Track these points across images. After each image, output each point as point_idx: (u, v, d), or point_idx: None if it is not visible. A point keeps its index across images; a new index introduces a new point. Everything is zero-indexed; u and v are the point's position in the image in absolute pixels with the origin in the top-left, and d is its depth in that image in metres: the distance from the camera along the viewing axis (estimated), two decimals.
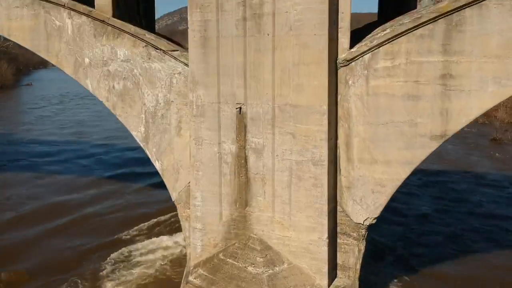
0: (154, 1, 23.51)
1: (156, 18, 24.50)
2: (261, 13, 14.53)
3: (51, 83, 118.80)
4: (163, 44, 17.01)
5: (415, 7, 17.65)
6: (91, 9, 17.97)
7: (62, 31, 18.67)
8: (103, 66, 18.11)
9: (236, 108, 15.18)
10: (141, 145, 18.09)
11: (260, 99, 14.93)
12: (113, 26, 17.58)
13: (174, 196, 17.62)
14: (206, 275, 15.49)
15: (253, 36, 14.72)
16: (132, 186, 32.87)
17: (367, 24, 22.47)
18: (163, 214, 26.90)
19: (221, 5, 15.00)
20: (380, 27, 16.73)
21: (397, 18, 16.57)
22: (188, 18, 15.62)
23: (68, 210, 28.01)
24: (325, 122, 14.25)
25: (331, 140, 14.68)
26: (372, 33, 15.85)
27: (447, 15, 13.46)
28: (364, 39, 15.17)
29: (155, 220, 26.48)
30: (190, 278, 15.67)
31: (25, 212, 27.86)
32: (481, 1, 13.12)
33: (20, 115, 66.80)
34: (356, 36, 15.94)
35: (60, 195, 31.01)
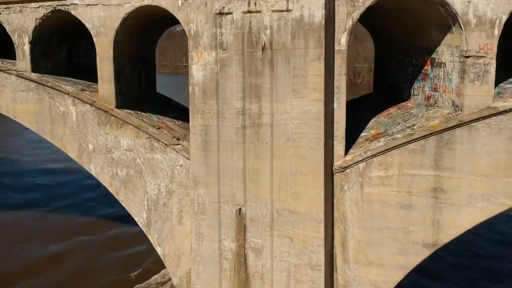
0: (155, 67, 24.02)
1: None
2: (260, 123, 15.11)
3: None
4: (165, 137, 17.58)
5: (408, 97, 18.17)
6: (95, 99, 18.52)
7: (66, 116, 19.23)
8: (106, 153, 18.67)
9: (236, 210, 15.75)
10: (143, 230, 18.66)
11: (259, 202, 15.51)
12: (117, 117, 18.11)
13: (175, 281, 18.21)
14: None
15: (253, 143, 15.30)
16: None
17: (362, 96, 23.08)
18: None
19: (221, 112, 15.57)
20: (374, 121, 17.30)
21: (391, 113, 17.17)
22: (190, 121, 16.18)
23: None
24: (322, 229, 14.84)
25: (328, 243, 15.28)
26: (367, 133, 16.41)
27: (438, 133, 14.06)
28: (360, 142, 15.77)
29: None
30: None
31: None
32: (470, 123, 13.72)
33: (8, 139, 66.07)
34: (351, 108, 16.52)
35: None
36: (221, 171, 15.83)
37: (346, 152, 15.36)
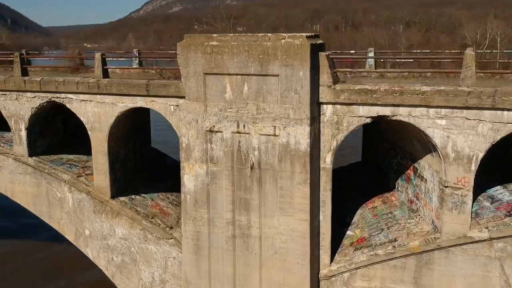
0: (150, 128, 24.49)
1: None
2: (249, 234, 15.81)
3: None
4: (159, 231, 18.26)
5: (393, 187, 18.79)
6: (90, 189, 19.13)
7: (63, 202, 19.85)
8: (102, 240, 19.35)
9: None
10: None
11: None
12: (112, 209, 18.76)
13: None
14: None
15: (242, 252, 16.01)
16: None
17: (350, 165, 23.69)
18: None
19: (212, 220, 16.24)
20: (360, 214, 18.00)
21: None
22: (182, 227, 16.87)
23: None
24: None
25: None
26: (352, 232, 17.13)
27: (418, 254, 14.80)
28: (345, 245, 16.51)
29: None
30: None
31: None
32: (448, 247, 14.46)
33: None
34: (340, 181, 17.21)
35: None
36: (212, 275, 16.57)
37: (332, 258, 16.10)
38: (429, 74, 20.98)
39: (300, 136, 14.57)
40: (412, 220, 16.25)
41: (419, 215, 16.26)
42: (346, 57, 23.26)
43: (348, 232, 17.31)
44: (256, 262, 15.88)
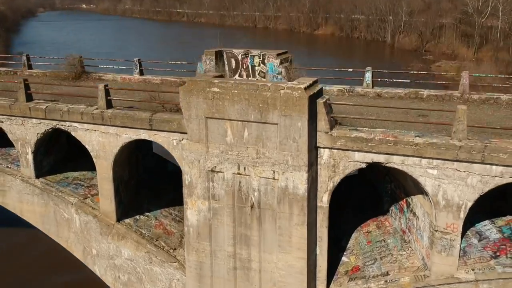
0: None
1: None
2: (249, 267, 16.73)
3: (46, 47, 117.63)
4: (163, 255, 19.19)
5: (387, 210, 19.57)
6: (97, 212, 19.94)
7: (70, 222, 20.69)
8: (109, 259, 20.31)
9: None
10: None
11: None
12: (118, 232, 19.63)
13: None
14: None
15: (243, 283, 16.98)
16: None
17: (346, 178, 24.37)
18: None
19: (214, 252, 17.13)
20: (354, 238, 18.89)
21: None
22: (186, 256, 17.77)
23: None
24: None
25: None
26: (347, 258, 18.07)
27: None
28: (341, 273, 17.46)
29: None
30: None
31: None
32: (436, 285, 15.39)
33: None
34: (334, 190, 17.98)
35: None
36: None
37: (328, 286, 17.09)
38: (425, 95, 21.53)
39: (298, 181, 15.24)
40: (404, 252, 17.12)
41: (410, 247, 17.12)
42: (345, 77, 23.59)
43: (344, 259, 18.22)
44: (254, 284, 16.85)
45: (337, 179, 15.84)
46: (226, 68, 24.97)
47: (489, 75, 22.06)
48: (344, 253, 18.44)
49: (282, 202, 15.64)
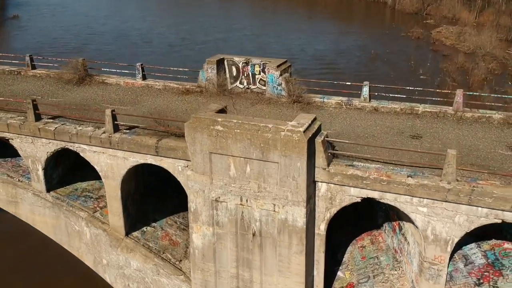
0: None
1: None
2: (251, 287, 18.02)
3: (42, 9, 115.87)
4: (170, 268, 20.48)
5: (381, 225, 20.73)
6: (106, 227, 21.09)
7: (81, 234, 21.88)
8: (119, 269, 21.63)
9: None
10: None
11: None
12: (126, 245, 20.84)
13: None
14: None
15: None
16: None
17: None
18: None
19: (218, 272, 18.39)
20: (349, 252, 20.15)
21: None
22: (191, 274, 19.03)
23: None
24: None
25: None
26: (342, 274, 19.38)
27: None
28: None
29: None
30: None
31: None
32: None
33: None
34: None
35: None
36: None
37: None
38: (420, 111, 22.29)
39: (297, 215, 16.29)
40: (396, 272, 18.38)
41: (401, 267, 18.37)
42: (343, 90, 24.19)
43: (339, 273, 19.51)
44: None
45: (333, 210, 16.88)
46: (227, 76, 25.66)
47: (482, 94, 22.58)
48: (340, 268, 19.70)
49: (282, 232, 16.73)
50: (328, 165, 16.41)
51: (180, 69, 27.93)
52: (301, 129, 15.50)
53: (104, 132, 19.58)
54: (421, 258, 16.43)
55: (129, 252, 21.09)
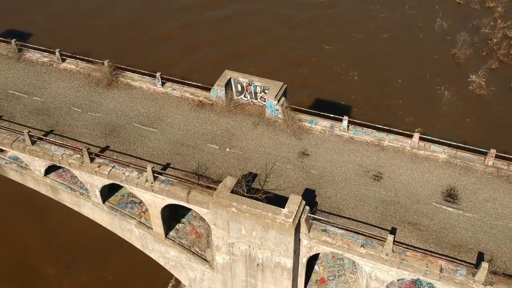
0: None
1: None
2: None
3: None
4: (198, 259, 29.36)
5: None
6: (150, 231, 29.40)
7: (131, 231, 30.31)
8: (161, 253, 30.57)
9: None
10: None
11: None
12: (166, 243, 29.49)
13: None
14: None
15: None
16: None
17: None
18: None
19: (233, 277, 27.37)
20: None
21: None
22: (215, 274, 27.99)
23: None
24: None
25: None
26: (317, 268, 28.53)
27: None
28: (310, 286, 28.10)
29: None
30: None
31: None
32: None
33: None
34: None
35: None
36: None
37: None
38: (385, 144, 28.93)
39: (287, 262, 24.54)
40: (353, 276, 27.34)
41: (357, 272, 27.23)
42: (327, 115, 30.04)
43: (316, 267, 28.48)
44: None
45: (312, 253, 25.05)
46: (234, 91, 31.48)
47: (433, 138, 28.58)
48: (316, 262, 28.60)
49: (277, 267, 25.17)
50: (309, 231, 24.07)
51: (194, 83, 32.86)
52: (290, 220, 22.82)
53: (147, 181, 26.52)
54: (368, 282, 25.16)
55: (168, 246, 29.71)
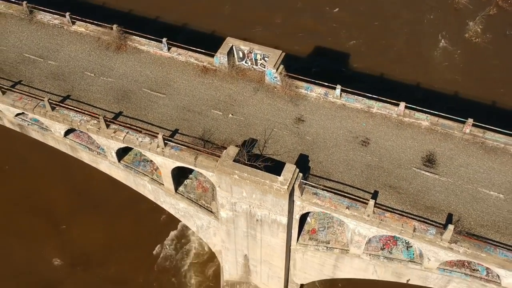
0: None
1: None
2: (255, 236, 31.27)
3: None
4: (205, 211, 33.25)
5: None
6: (162, 188, 33.06)
7: (145, 186, 33.99)
8: (171, 204, 34.46)
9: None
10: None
11: (256, 256, 33.11)
12: (176, 197, 33.28)
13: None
14: None
15: (253, 241, 31.80)
16: None
17: None
18: None
19: (235, 229, 31.34)
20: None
21: None
22: (220, 225, 31.97)
23: None
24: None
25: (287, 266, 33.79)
26: (310, 219, 32.51)
27: (336, 255, 30.77)
28: (305, 231, 32.20)
29: None
30: None
31: None
32: (351, 255, 30.31)
33: None
34: None
35: None
36: (236, 239, 32.53)
37: (298, 239, 31.94)
38: (374, 111, 31.73)
39: (282, 219, 28.28)
40: (340, 228, 31.26)
41: (343, 225, 31.12)
42: (321, 83, 32.52)
43: (308, 219, 32.37)
44: (258, 245, 31.71)
45: (303, 212, 28.73)
46: (235, 57, 33.91)
47: (418, 107, 30.89)
48: (309, 214, 32.45)
49: (273, 223, 28.98)
50: (302, 194, 27.58)
51: (198, 49, 34.88)
52: (285, 187, 26.22)
53: (158, 147, 29.67)
54: (351, 236, 29.07)
55: (178, 200, 33.48)
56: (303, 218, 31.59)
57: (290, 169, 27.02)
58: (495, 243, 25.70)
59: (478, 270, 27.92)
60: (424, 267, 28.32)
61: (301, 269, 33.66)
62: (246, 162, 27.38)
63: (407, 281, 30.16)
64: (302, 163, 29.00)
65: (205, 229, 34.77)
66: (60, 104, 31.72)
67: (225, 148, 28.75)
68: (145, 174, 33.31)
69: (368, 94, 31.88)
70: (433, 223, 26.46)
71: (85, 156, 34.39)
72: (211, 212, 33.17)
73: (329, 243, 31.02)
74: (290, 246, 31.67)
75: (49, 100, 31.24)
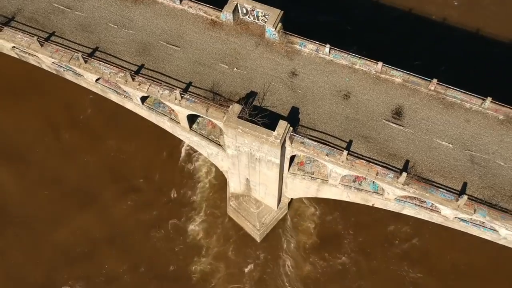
0: None
1: None
2: (254, 167, 39.33)
3: None
4: (215, 145, 40.90)
5: None
6: (178, 125, 40.23)
7: (164, 123, 41.09)
8: (187, 137, 41.96)
9: None
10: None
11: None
12: (190, 133, 40.70)
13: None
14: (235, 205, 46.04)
15: (253, 170, 39.93)
16: None
17: None
18: None
19: (239, 162, 39.22)
20: None
21: None
22: (226, 158, 39.89)
23: None
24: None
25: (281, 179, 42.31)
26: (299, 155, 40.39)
27: (319, 184, 39.02)
28: (293, 166, 40.25)
29: None
30: (230, 202, 46.27)
31: None
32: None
33: None
34: None
35: None
36: (239, 168, 40.59)
37: (289, 168, 39.96)
38: (357, 67, 37.81)
39: (276, 160, 35.90)
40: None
41: None
42: (313, 41, 37.80)
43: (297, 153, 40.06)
44: (257, 173, 39.74)
45: (293, 154, 36.21)
46: (239, 12, 39.22)
47: (393, 67, 36.08)
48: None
49: (269, 163, 36.66)
50: (291, 143, 34.85)
51: (206, 4, 39.43)
52: (278, 140, 33.41)
53: (176, 99, 36.25)
54: (330, 171, 36.91)
55: (193, 135, 40.78)
56: (293, 155, 39.17)
57: (282, 125, 33.92)
58: (438, 185, 33.45)
59: (425, 202, 36.10)
60: (385, 198, 36.49)
61: (291, 189, 42.10)
62: (247, 118, 34.18)
63: (372, 204, 38.57)
64: (293, 115, 35.72)
65: (214, 155, 42.53)
66: (91, 58, 37.55)
67: (231, 100, 35.37)
68: (164, 115, 40.21)
69: (352, 53, 37.47)
70: (393, 168, 34.00)
71: (114, 97, 41.00)
72: (219, 145, 40.65)
73: (313, 174, 38.96)
74: (282, 175, 39.71)
75: (82, 56, 37.05)
